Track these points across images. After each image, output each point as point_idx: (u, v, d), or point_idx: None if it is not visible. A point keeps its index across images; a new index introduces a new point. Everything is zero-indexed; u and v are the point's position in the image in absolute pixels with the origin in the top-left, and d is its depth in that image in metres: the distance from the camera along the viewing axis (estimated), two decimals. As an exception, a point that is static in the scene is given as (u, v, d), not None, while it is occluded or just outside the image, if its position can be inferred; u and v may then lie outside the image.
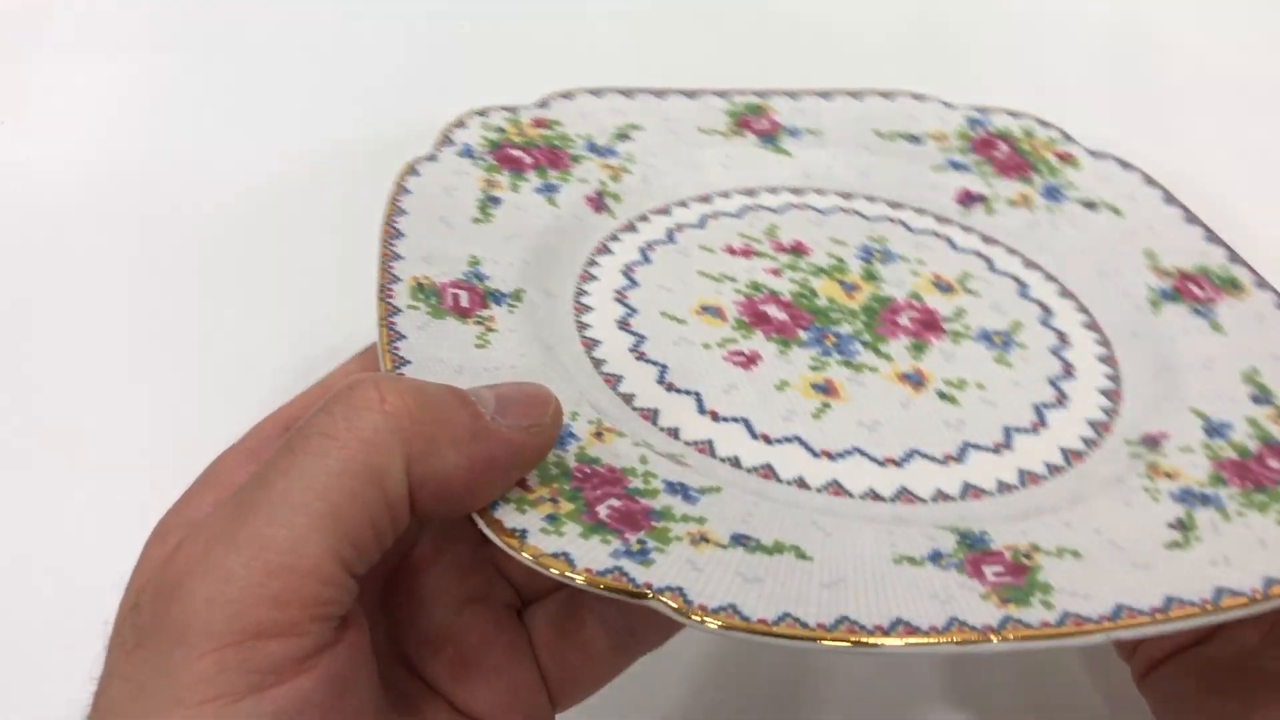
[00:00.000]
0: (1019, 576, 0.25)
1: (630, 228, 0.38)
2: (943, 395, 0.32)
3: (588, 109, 0.42)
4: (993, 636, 0.23)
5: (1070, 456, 0.31)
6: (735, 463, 0.29)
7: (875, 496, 0.29)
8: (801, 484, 0.29)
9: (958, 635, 0.23)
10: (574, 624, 0.29)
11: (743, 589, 0.23)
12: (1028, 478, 0.30)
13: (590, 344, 0.33)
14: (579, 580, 0.23)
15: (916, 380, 0.33)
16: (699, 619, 0.23)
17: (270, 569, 0.21)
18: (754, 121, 0.43)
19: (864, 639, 0.23)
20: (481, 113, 0.40)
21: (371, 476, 0.22)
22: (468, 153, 0.38)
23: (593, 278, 0.35)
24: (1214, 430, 0.31)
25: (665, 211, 0.39)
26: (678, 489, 0.27)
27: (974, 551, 0.26)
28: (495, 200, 0.36)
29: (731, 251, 0.37)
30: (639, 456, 0.28)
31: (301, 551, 0.21)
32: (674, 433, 0.30)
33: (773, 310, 0.35)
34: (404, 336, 0.29)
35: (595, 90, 0.43)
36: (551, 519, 0.25)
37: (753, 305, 0.35)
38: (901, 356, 0.34)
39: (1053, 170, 0.42)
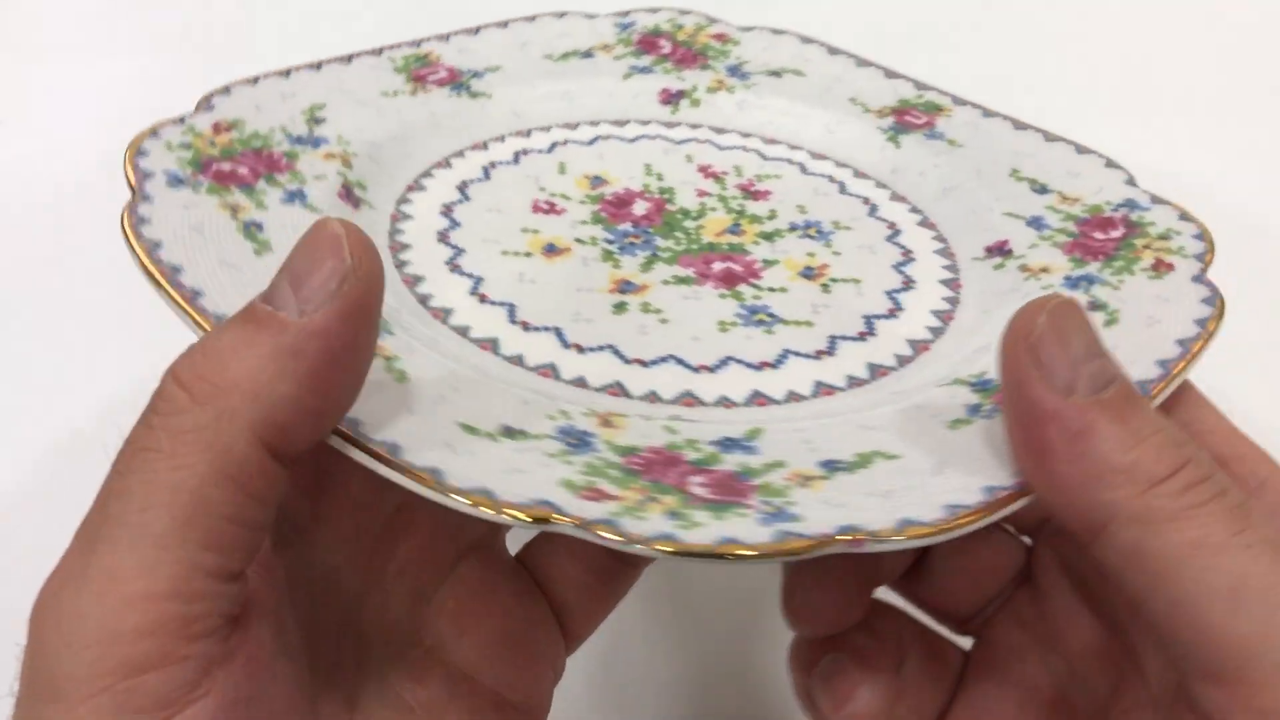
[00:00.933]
0: None
1: (401, 216, 0.33)
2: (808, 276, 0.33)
3: (258, 99, 0.35)
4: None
5: (952, 285, 0.33)
6: (729, 402, 0.28)
7: (858, 382, 0.29)
8: (796, 396, 0.28)
9: None
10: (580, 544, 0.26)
11: (893, 503, 0.23)
12: (944, 315, 0.31)
13: (489, 344, 0.29)
14: (764, 556, 0.21)
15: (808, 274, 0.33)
16: (894, 542, 0.21)
17: (125, 600, 0.20)
18: (428, 72, 0.40)
19: (1015, 498, 0.22)
20: (152, 132, 0.32)
21: (211, 473, 0.20)
22: (176, 180, 0.31)
23: (418, 279, 0.31)
24: (1035, 224, 0.34)
25: (418, 187, 0.35)
26: (729, 445, 0.25)
27: (993, 391, 0.26)
28: (256, 225, 0.30)
29: (541, 210, 0.34)
30: (663, 427, 0.25)
31: (155, 573, 0.20)
32: (654, 396, 0.28)
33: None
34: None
35: (249, 80, 0.36)
36: (674, 515, 0.22)
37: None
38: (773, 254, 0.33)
39: (721, 52, 0.43)
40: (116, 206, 0.28)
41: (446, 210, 0.34)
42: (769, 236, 0.35)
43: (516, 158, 0.37)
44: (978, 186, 0.36)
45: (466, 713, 0.27)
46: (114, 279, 0.32)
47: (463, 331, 0.29)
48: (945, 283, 0.33)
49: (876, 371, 0.29)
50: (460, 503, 0.22)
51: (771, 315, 0.31)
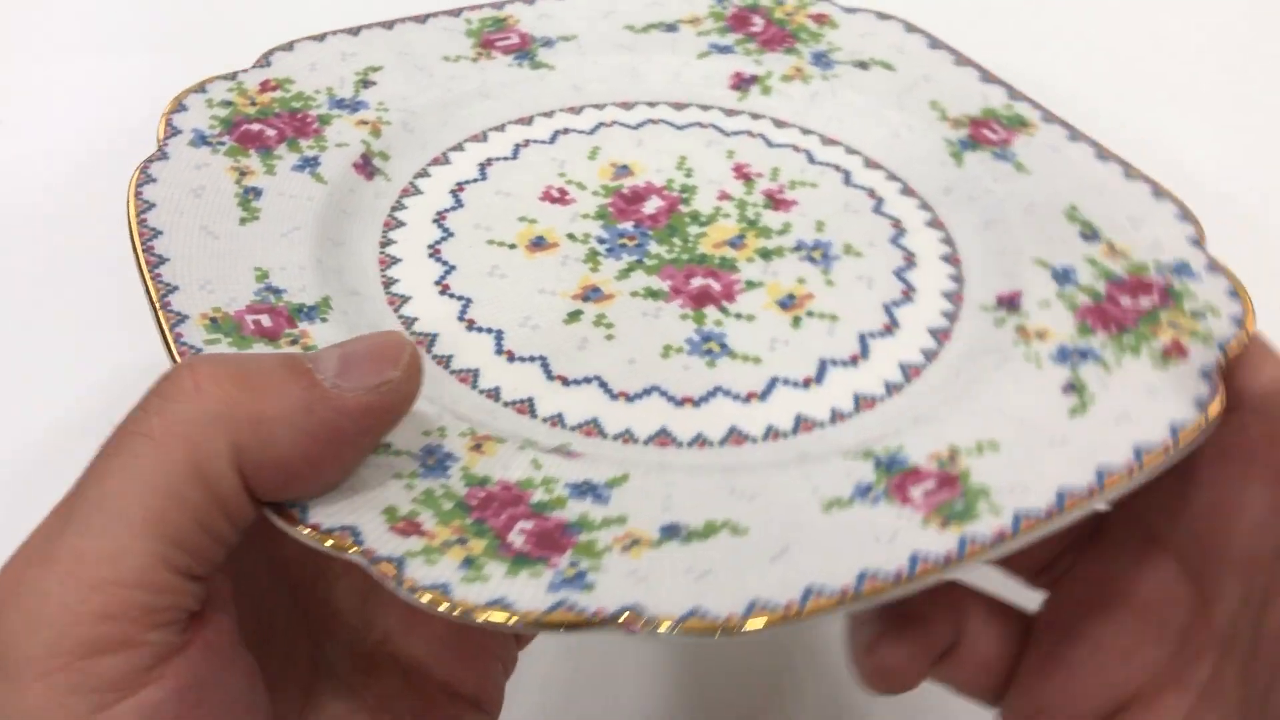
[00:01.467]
0: (953, 489, 0.25)
1: (413, 190, 0.34)
2: (785, 307, 0.32)
3: (316, 58, 0.37)
4: (956, 562, 0.23)
5: (939, 336, 0.31)
6: (629, 437, 0.28)
7: (776, 434, 0.28)
8: (703, 441, 0.28)
9: (923, 571, 0.22)
10: None
11: (697, 587, 0.22)
12: (910, 370, 0.30)
13: (425, 340, 0.30)
14: (526, 624, 0.21)
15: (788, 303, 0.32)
16: (666, 631, 0.21)
17: (90, 583, 0.20)
18: (499, 38, 0.40)
19: (834, 603, 0.22)
20: (199, 88, 0.35)
21: (193, 474, 0.21)
22: (201, 139, 0.33)
23: (394, 260, 0.32)
24: (1061, 277, 0.31)
25: (443, 160, 0.36)
26: (585, 490, 0.25)
27: (895, 474, 0.26)
28: (255, 191, 0.32)
29: (550, 199, 0.34)
30: (530, 462, 0.26)
31: (123, 562, 0.20)
32: (558, 419, 0.28)
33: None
34: None
35: (317, 36, 0.38)
36: (469, 563, 0.22)
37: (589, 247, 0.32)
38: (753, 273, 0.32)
39: (814, 35, 0.42)
40: (116, 205, 0.30)
41: (457, 190, 0.35)
42: (767, 254, 0.33)
43: (554, 137, 0.37)
44: (1022, 223, 0.33)
45: (419, 704, 0.28)
46: (115, 277, 0.34)
47: (409, 323, 0.30)
48: (933, 331, 0.31)
49: (801, 425, 0.28)
50: (272, 515, 0.23)
51: (723, 346, 0.30)
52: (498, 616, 0.21)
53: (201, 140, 0.33)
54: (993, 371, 0.29)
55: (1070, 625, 0.29)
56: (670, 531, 0.24)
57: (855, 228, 0.34)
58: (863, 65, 0.40)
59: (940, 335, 0.31)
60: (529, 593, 0.22)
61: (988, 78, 0.38)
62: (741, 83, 0.40)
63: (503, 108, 0.38)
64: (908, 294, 0.32)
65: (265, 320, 0.28)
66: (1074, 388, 0.28)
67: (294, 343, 0.28)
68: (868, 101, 0.38)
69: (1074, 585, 0.30)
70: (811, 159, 0.37)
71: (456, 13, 0.40)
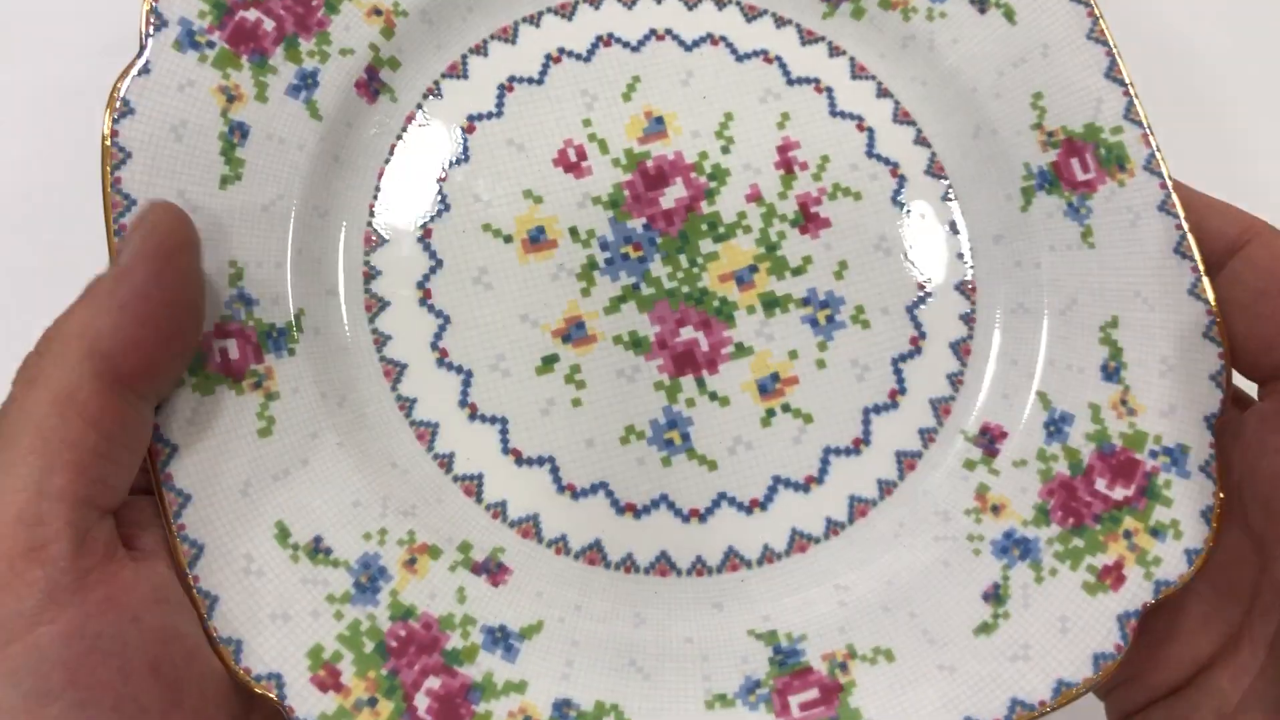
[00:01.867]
0: (830, 704, 0.27)
1: (419, 120, 0.31)
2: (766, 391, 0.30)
3: None
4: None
5: (904, 465, 0.30)
6: (563, 546, 0.29)
7: (702, 569, 0.29)
8: (630, 565, 0.29)
9: None
10: None
11: None
12: (858, 509, 0.29)
13: (393, 371, 0.29)
14: None
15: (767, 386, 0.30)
16: None
17: None
18: None
19: None
20: None
21: (48, 406, 0.23)
22: (188, 38, 0.29)
23: (380, 241, 0.30)
24: (1055, 426, 0.30)
25: (459, 72, 0.32)
26: (498, 638, 0.27)
27: (786, 671, 0.27)
28: (241, 131, 0.29)
29: (565, 164, 0.31)
30: (456, 589, 0.28)
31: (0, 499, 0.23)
32: (500, 510, 0.29)
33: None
34: (174, 450, 0.26)
35: None
36: None
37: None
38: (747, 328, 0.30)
39: None
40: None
41: (466, 130, 0.31)
42: (772, 305, 0.31)
43: (592, 50, 0.32)
44: (1054, 324, 0.30)
45: None
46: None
47: (381, 340, 0.30)
48: (901, 456, 0.30)
49: (729, 562, 0.29)
50: (217, 645, 0.26)
51: (685, 438, 0.30)
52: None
53: (189, 39, 0.29)
54: (931, 545, 0.29)
55: None
56: (561, 710, 0.27)
57: (876, 281, 0.31)
58: (981, 4, 0.32)
59: (906, 464, 0.30)
60: None
61: (1114, 72, 0.32)
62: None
63: (536, -10, 0.33)
64: (894, 396, 0.31)
65: (233, 350, 0.28)
66: (996, 597, 0.28)
67: (257, 386, 0.28)
68: (964, 69, 0.32)
69: None
70: (871, 146, 0.32)
71: None
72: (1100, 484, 0.30)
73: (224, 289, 0.29)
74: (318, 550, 0.27)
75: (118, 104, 0.28)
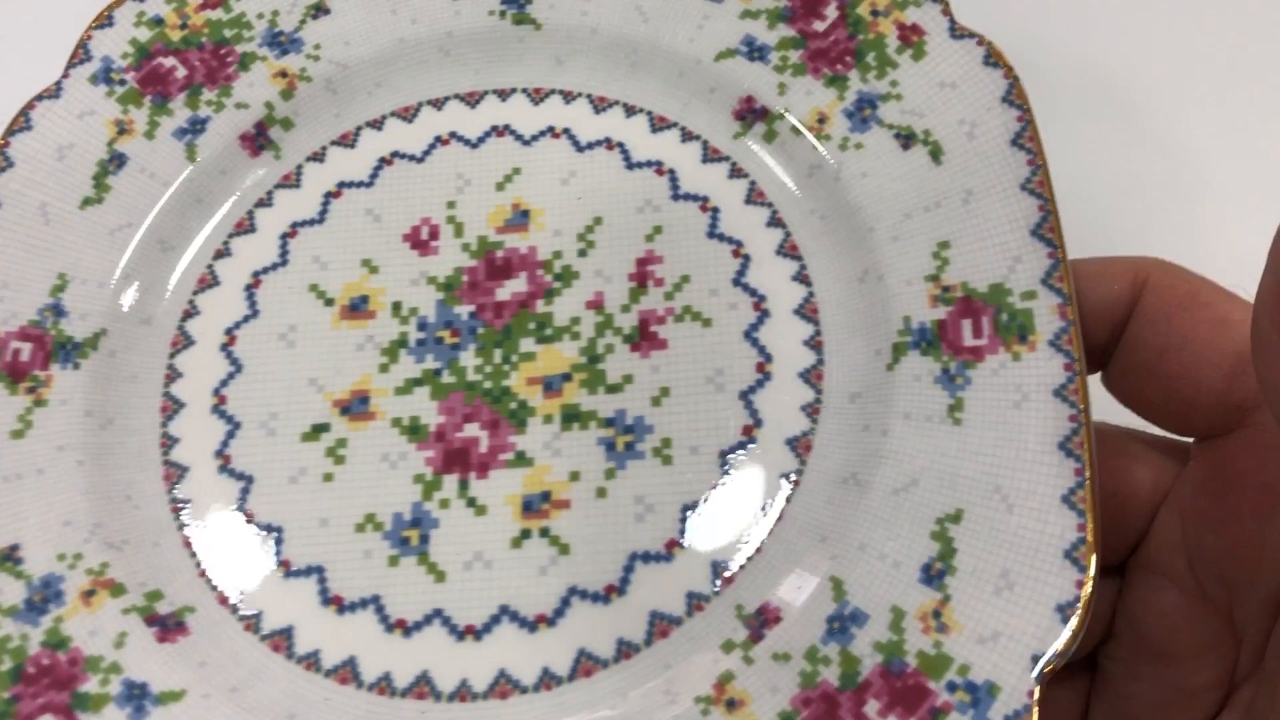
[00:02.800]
0: None
1: (291, 181, 0.31)
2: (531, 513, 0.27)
3: None
4: None
5: (655, 627, 0.25)
6: (254, 624, 0.26)
7: (385, 688, 0.25)
8: (312, 663, 0.26)
9: None
10: None
11: None
12: (544, 683, 0.25)
13: (170, 408, 0.29)
14: None
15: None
16: None
17: None
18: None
19: None
20: None
21: None
22: (105, 74, 0.32)
23: (211, 283, 0.30)
24: (840, 623, 0.24)
25: (349, 141, 0.32)
26: (134, 695, 0.25)
27: None
28: (119, 160, 0.31)
29: (413, 240, 0.30)
30: (119, 632, 0.26)
31: None
32: (206, 568, 0.27)
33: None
34: None
35: None
36: None
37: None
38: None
39: (881, 63, 0.30)
40: None
41: (333, 195, 0.31)
42: (572, 419, 0.27)
43: (484, 137, 0.31)
44: (874, 501, 0.25)
45: None
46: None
47: (171, 375, 0.29)
48: (656, 618, 0.25)
49: (415, 688, 0.25)
50: None
51: (423, 539, 0.26)
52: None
53: (105, 75, 0.32)
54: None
55: (1125, 684, 0.27)
56: None
57: (696, 417, 0.27)
58: (906, 138, 0.29)
59: (659, 628, 0.25)
60: None
61: (1044, 229, 0.26)
62: (748, 113, 0.30)
63: (457, 75, 0.32)
64: (671, 548, 0.26)
65: (24, 353, 0.29)
66: None
67: (31, 391, 0.28)
68: (867, 206, 0.28)
69: (1118, 644, 0.27)
70: (742, 273, 0.29)
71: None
72: (871, 708, 0.23)
73: (42, 297, 0.30)
74: (8, 558, 0.26)
75: (21, 120, 0.31)
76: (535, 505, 0.27)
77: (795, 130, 0.30)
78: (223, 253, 0.31)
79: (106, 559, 0.27)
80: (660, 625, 0.25)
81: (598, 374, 0.28)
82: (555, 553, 0.26)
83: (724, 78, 0.31)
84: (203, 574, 0.27)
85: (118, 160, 0.31)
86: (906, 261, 0.27)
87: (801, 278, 0.29)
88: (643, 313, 0.29)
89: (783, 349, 0.28)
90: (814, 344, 0.28)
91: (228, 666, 0.26)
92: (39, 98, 0.31)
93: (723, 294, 0.29)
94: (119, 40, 0.32)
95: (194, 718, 0.25)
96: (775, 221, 0.29)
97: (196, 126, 0.31)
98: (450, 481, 0.27)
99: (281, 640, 0.26)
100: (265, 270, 0.30)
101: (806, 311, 0.28)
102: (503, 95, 0.32)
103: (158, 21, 0.32)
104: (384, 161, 0.31)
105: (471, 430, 0.28)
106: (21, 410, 0.28)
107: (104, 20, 0.32)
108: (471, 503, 0.27)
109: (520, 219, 0.30)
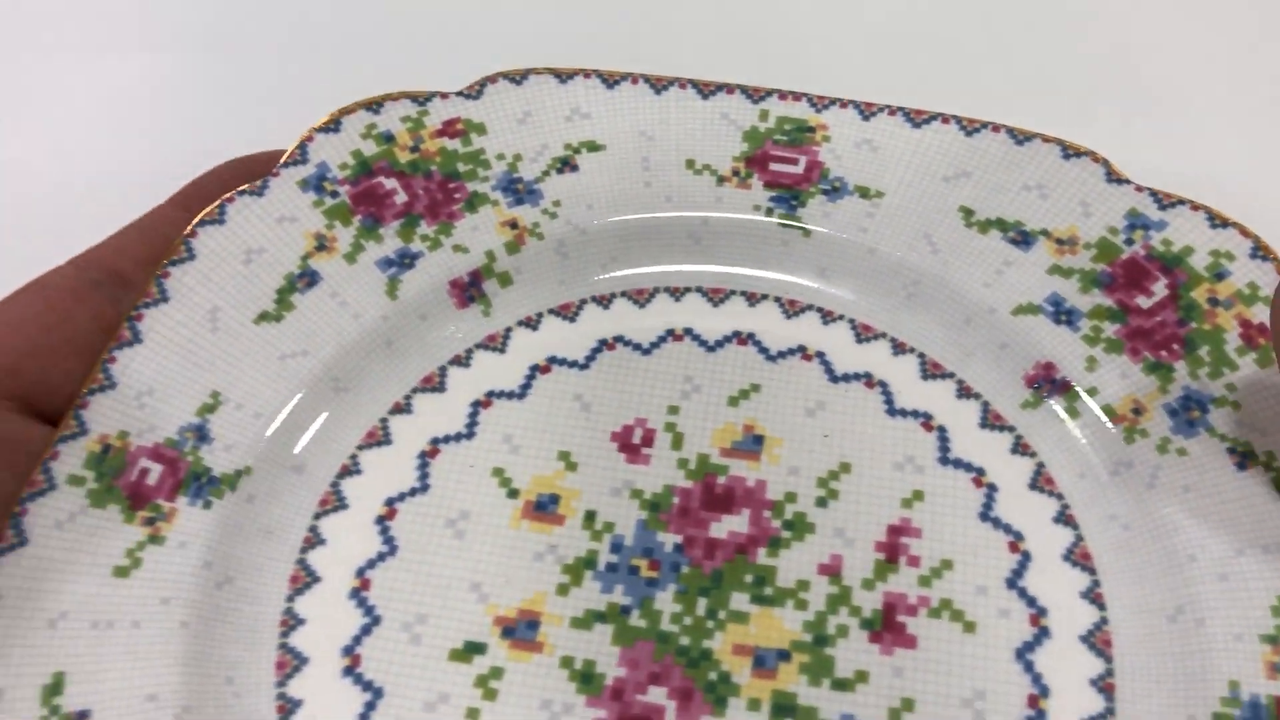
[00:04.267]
0: None
1: (496, 344, 0.28)
2: None
3: (537, 105, 0.31)
4: None
5: None
6: None
7: None
8: None
9: None
10: None
11: None
12: None
13: (302, 579, 0.24)
14: None
15: None
16: None
17: None
18: (780, 157, 0.30)
19: None
20: (374, 105, 0.31)
21: None
22: (318, 180, 0.29)
23: (381, 441, 0.26)
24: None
25: (569, 313, 0.29)
26: None
27: None
28: (310, 279, 0.27)
29: (623, 442, 0.26)
30: None
31: None
32: None
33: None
34: (20, 543, 0.22)
35: (559, 72, 0.31)
36: None
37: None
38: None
39: (1217, 360, 0.25)
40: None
41: (541, 370, 0.27)
42: (784, 712, 0.22)
43: (721, 342, 0.27)
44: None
45: None
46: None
47: (312, 542, 0.25)
48: None
49: None
50: None
51: None
52: None
53: (317, 183, 0.29)
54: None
55: None
56: None
57: None
58: (1243, 456, 0.24)
59: None
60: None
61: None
62: (1043, 382, 0.26)
63: (703, 266, 0.28)
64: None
65: (152, 475, 0.25)
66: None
67: (149, 523, 0.24)
68: (1183, 525, 0.23)
69: None
70: (1019, 576, 0.23)
71: (762, 95, 0.31)
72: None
73: (188, 414, 0.26)
74: None
75: (215, 211, 0.28)
76: None
77: (1103, 415, 0.26)
78: (402, 407, 0.27)
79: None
80: None
81: (824, 661, 0.23)
82: None
83: (1020, 335, 0.27)
84: None
85: (309, 278, 0.28)
86: (1237, 610, 0.22)
87: (1093, 597, 0.24)
88: (889, 595, 0.24)
89: (1062, 684, 0.22)
90: (1103, 686, 0.23)
91: None
92: (241, 192, 0.29)
93: (992, 594, 0.24)
94: (341, 149, 0.30)
95: None
96: (1065, 519, 0.25)
97: (405, 260, 0.28)
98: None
99: None
100: (447, 439, 0.26)
101: (1097, 642, 0.23)
102: (751, 299, 0.28)
103: (388, 138, 0.30)
104: (605, 344, 0.28)
105: (657, 696, 0.23)
106: (133, 544, 0.24)
107: (330, 125, 0.30)
108: None
109: (752, 445, 0.26)
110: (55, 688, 0.22)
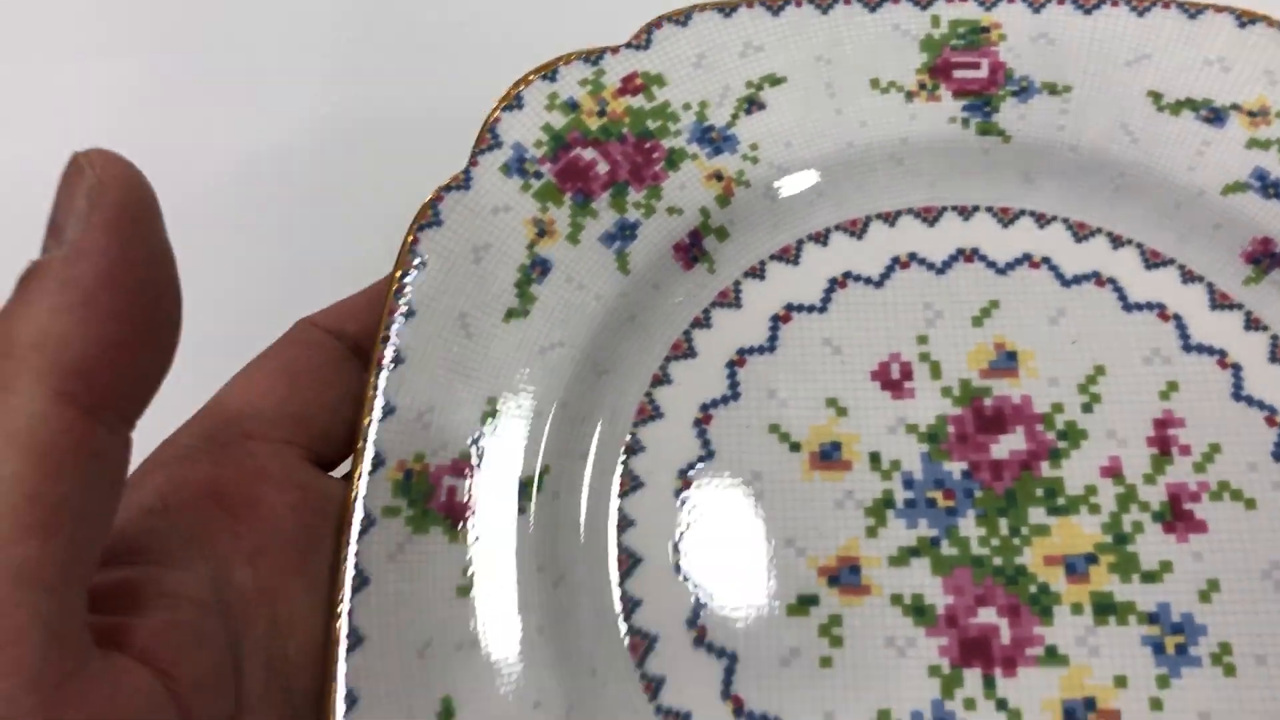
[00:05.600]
0: None
1: (729, 299, 0.29)
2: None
3: (708, 45, 0.31)
4: None
5: None
6: None
7: None
8: None
9: None
10: None
11: None
12: None
13: (626, 562, 0.26)
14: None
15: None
16: None
17: None
18: (961, 63, 0.31)
19: None
20: (549, 73, 0.31)
21: (10, 439, 0.18)
22: (518, 163, 0.29)
23: (653, 415, 0.28)
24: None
25: (790, 256, 0.30)
26: None
27: None
28: (542, 267, 0.28)
29: (884, 379, 0.27)
30: None
31: None
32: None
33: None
34: (363, 583, 0.24)
35: (722, 5, 0.31)
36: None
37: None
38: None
39: None
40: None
41: (780, 319, 0.28)
42: (1105, 611, 0.25)
43: (949, 262, 0.28)
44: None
45: None
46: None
47: (624, 523, 0.26)
48: None
49: None
50: None
51: None
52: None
53: (518, 166, 0.29)
54: None
55: None
56: None
57: (1257, 619, 0.25)
58: None
59: None
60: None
61: None
62: (1263, 257, 0.28)
63: (910, 187, 0.29)
64: None
65: (462, 490, 0.26)
66: None
67: (476, 537, 0.26)
68: None
69: None
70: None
71: (926, 1, 0.31)
72: None
73: (474, 424, 0.27)
74: None
75: (428, 213, 0.29)
76: (1079, 714, 0.24)
77: None
78: (661, 379, 0.28)
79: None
80: None
81: (1129, 558, 0.25)
82: None
83: (1232, 214, 0.28)
84: None
85: (540, 266, 0.28)
86: None
87: None
88: (1171, 486, 0.26)
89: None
90: None
91: None
92: (446, 188, 0.29)
93: (1262, 470, 0.26)
94: (530, 126, 0.30)
95: None
96: None
97: (625, 232, 0.29)
98: (972, 678, 0.25)
99: None
100: (715, 404, 0.28)
101: None
102: (964, 213, 0.30)
103: (572, 106, 0.30)
104: (835, 283, 0.29)
105: (987, 616, 0.25)
106: (466, 563, 0.26)
107: (511, 101, 0.30)
108: (1002, 705, 0.24)
109: (1007, 361, 0.28)
110: (446, 713, 0.24)
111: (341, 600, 0.24)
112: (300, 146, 0.41)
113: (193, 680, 0.20)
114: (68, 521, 0.18)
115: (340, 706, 0.23)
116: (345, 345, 0.27)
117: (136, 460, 0.21)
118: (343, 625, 0.24)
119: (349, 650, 0.23)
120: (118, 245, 0.19)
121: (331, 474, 0.27)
